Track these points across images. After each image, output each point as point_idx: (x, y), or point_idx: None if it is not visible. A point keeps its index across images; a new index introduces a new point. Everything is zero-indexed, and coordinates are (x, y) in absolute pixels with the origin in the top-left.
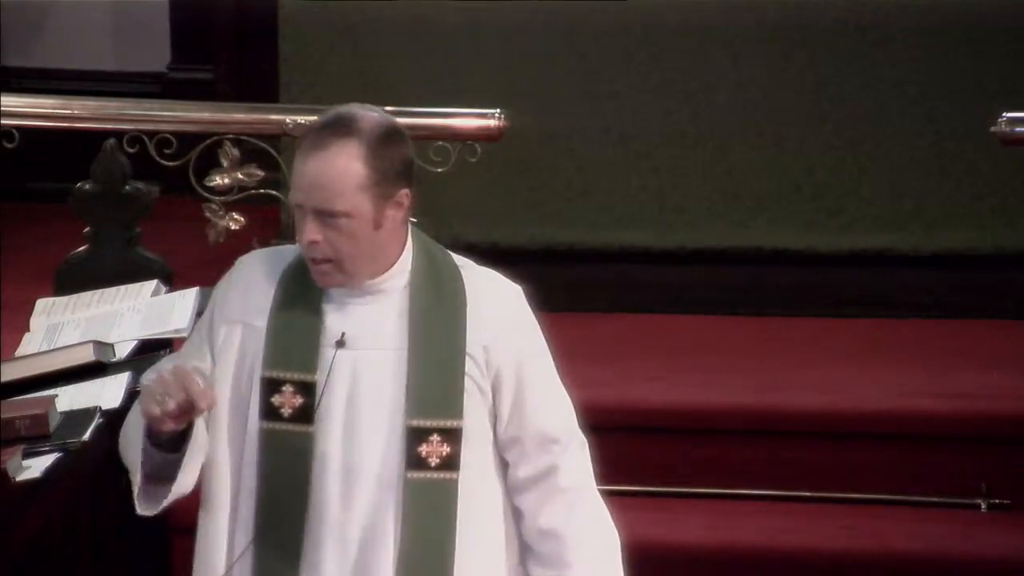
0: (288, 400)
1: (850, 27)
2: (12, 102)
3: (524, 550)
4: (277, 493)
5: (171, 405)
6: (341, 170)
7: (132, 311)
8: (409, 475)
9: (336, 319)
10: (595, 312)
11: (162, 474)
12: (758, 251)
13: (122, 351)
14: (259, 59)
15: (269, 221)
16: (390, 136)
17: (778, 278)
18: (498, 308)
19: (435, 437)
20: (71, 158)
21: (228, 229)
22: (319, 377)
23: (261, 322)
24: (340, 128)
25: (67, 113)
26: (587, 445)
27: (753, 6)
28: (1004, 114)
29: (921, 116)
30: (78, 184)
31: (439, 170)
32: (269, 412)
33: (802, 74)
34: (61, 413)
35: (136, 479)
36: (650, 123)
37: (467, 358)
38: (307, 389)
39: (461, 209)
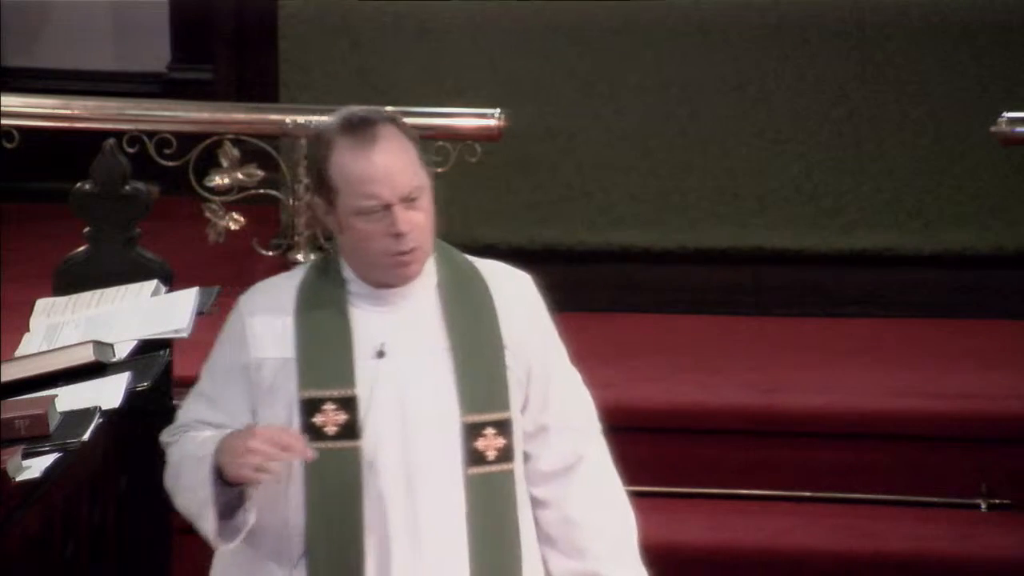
0: (331, 418)
1: (850, 27)
2: (12, 102)
3: (543, 539)
4: (330, 512)
5: (274, 468)
6: (404, 150)
7: (132, 311)
8: (471, 471)
9: (368, 329)
10: (595, 312)
11: (228, 508)
12: (758, 251)
13: (122, 351)
14: (259, 59)
15: (269, 221)
16: (401, 120)
17: (778, 278)
18: (522, 300)
19: (489, 430)
20: (71, 158)
21: (228, 229)
22: (359, 390)
23: (287, 351)
24: (371, 120)
25: (67, 113)
26: (602, 432)
27: (753, 6)
28: (1004, 114)
29: (921, 116)
30: (78, 184)
31: (439, 170)
32: (312, 432)
33: (802, 74)
34: (61, 413)
35: (209, 517)
36: (650, 123)
37: (505, 350)
38: (348, 404)
39: (461, 209)
